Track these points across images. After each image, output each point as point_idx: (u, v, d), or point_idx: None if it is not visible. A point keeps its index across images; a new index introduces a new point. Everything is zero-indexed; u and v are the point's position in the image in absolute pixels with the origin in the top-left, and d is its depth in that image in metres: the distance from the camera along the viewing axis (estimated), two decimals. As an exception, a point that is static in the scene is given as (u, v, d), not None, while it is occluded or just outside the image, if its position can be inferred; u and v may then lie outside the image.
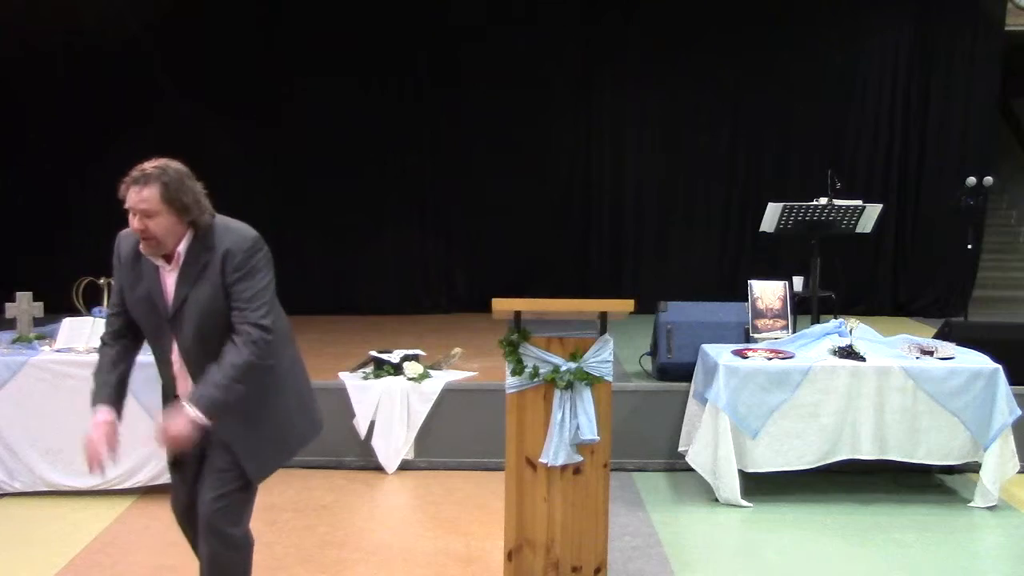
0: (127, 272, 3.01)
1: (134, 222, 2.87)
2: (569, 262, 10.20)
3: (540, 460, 3.60)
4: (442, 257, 10.23)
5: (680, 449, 5.44)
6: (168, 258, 2.94)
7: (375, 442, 5.48)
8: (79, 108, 9.47)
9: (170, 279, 2.96)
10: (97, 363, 3.06)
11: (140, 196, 2.84)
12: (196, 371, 2.95)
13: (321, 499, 5.03)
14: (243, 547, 3.07)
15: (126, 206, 2.87)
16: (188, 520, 3.16)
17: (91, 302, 5.27)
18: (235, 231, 2.96)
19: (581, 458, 3.60)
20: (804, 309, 6.76)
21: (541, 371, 3.60)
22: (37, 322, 5.29)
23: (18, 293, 5.28)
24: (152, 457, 4.91)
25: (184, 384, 3.02)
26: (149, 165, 2.89)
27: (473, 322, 8.42)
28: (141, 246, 2.91)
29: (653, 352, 6.08)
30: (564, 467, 3.61)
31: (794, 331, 5.68)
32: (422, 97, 9.94)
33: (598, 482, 3.64)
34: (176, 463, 3.12)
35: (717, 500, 4.96)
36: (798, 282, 6.62)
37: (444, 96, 9.91)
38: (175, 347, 3.00)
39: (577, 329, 3.78)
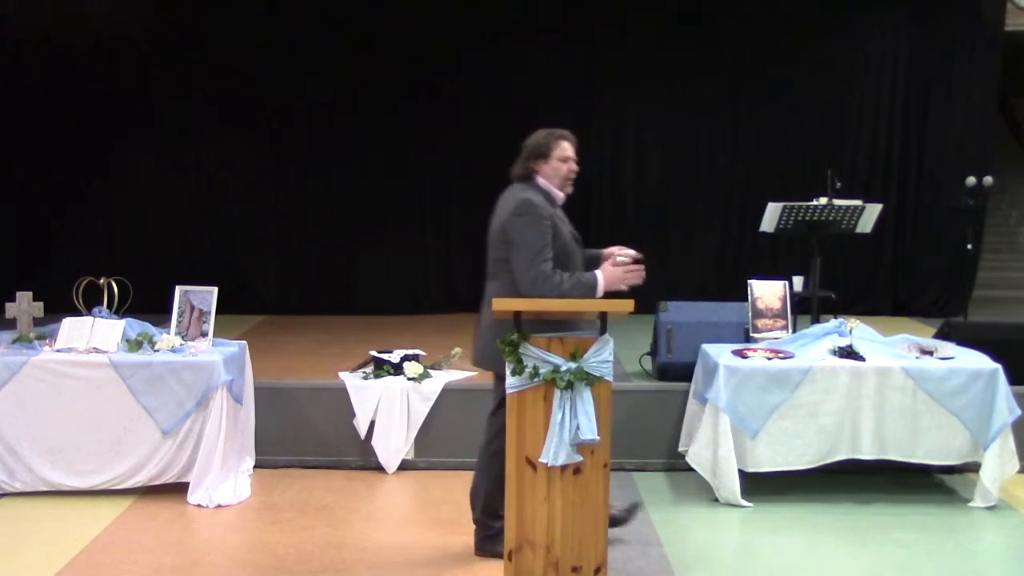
0: (555, 219, 4.03)
1: (574, 166, 4.09)
2: (569, 262, 10.16)
3: (540, 460, 3.60)
4: (442, 257, 10.20)
5: (680, 449, 5.44)
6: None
7: (375, 442, 5.48)
8: (79, 108, 9.45)
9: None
10: (567, 276, 3.94)
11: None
12: None
13: (321, 499, 5.03)
14: None
15: (572, 155, 4.09)
16: None
17: (91, 302, 5.26)
18: None
19: (581, 458, 3.60)
20: (804, 309, 6.76)
21: (541, 371, 3.60)
22: (37, 322, 5.27)
23: (18, 293, 5.27)
24: (152, 457, 4.92)
25: None
26: None
27: (473, 322, 8.40)
28: (569, 187, 4.14)
29: (653, 352, 6.08)
30: (564, 467, 3.61)
31: (794, 331, 5.67)
32: (422, 96, 9.92)
33: (598, 482, 3.63)
34: None
35: (717, 500, 4.96)
36: (798, 282, 6.61)
37: (444, 95, 9.89)
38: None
39: (577, 329, 3.78)
